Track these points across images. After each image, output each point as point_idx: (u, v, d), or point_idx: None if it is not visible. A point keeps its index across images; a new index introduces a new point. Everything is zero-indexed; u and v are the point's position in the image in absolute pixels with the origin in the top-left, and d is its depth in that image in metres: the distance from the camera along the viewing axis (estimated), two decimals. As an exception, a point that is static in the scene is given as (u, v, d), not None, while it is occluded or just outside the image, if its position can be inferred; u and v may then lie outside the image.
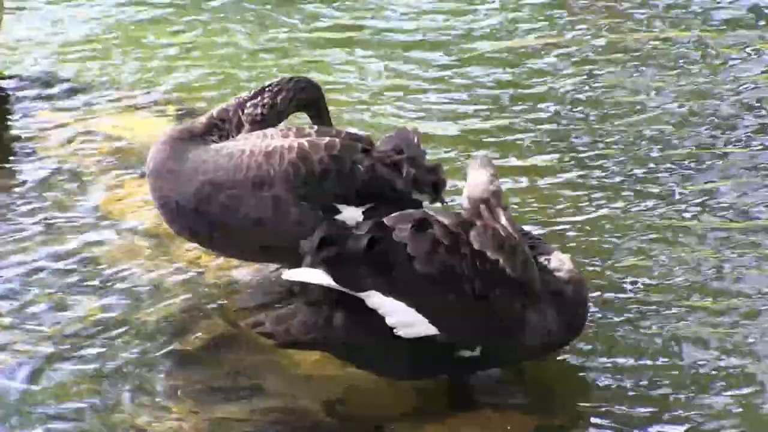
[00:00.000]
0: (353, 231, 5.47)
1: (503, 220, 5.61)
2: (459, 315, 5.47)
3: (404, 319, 5.46)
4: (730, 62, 8.66)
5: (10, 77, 8.45)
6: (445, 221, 5.54)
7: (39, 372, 5.89)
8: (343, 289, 5.44)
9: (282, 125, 6.32)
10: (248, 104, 6.32)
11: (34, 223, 6.95)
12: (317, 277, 5.45)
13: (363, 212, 6.08)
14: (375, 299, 5.45)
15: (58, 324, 6.19)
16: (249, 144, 6.10)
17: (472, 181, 5.67)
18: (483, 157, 5.82)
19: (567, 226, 6.91)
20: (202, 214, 6.07)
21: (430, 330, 5.48)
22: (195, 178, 6.07)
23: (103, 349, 6.02)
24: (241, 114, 6.30)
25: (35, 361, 5.95)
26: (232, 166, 6.05)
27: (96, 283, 6.47)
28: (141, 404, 5.72)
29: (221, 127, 6.26)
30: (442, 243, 5.46)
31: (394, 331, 5.46)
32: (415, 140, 6.26)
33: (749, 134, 7.73)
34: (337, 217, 6.06)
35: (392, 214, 5.62)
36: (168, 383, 5.85)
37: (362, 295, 5.45)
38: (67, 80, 8.45)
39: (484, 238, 5.52)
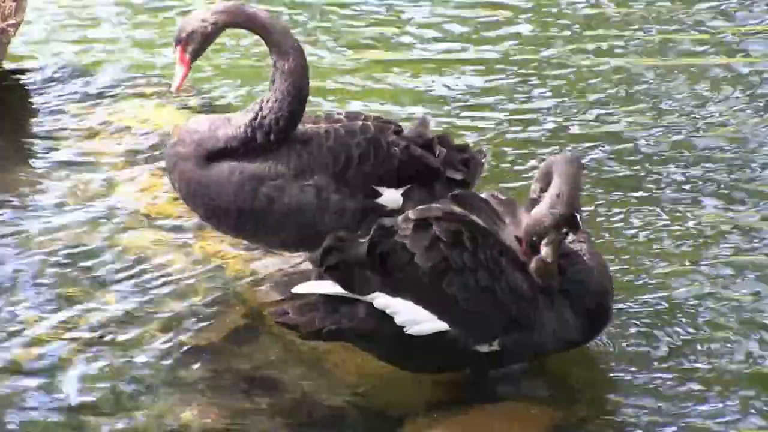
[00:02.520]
0: (357, 238, 5.55)
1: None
2: (466, 309, 5.49)
3: (412, 317, 5.50)
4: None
5: (33, 69, 8.46)
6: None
7: (62, 364, 5.91)
8: (352, 295, 5.51)
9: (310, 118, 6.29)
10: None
11: (57, 216, 6.95)
12: (327, 287, 5.54)
13: (402, 194, 6.10)
14: (382, 300, 5.51)
15: (80, 316, 6.20)
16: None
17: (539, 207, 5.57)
18: (567, 162, 5.66)
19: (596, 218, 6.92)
20: (247, 211, 6.05)
21: (440, 326, 5.51)
22: (233, 179, 6.05)
23: (125, 341, 6.04)
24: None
25: (58, 353, 5.97)
26: (271, 158, 6.05)
27: (118, 275, 6.48)
28: (163, 396, 5.73)
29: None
30: (442, 239, 5.48)
31: (404, 329, 5.50)
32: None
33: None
34: (378, 200, 6.08)
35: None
36: (190, 375, 5.86)
37: (369, 297, 5.51)
38: (91, 72, 8.45)
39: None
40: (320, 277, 5.58)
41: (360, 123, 6.12)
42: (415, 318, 5.49)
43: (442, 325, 5.50)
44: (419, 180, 6.14)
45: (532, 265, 5.51)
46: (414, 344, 5.52)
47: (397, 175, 6.10)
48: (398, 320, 5.50)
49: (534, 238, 5.50)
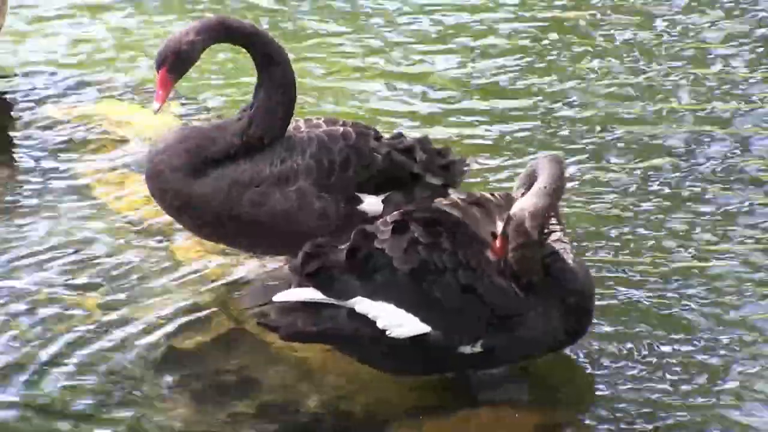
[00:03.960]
0: (336, 244, 5.55)
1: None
2: (447, 309, 5.49)
3: (393, 320, 5.50)
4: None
5: (13, 75, 8.45)
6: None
7: (41, 370, 5.89)
8: (333, 301, 5.52)
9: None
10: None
11: (34, 220, 6.93)
12: (307, 294, 5.53)
13: (382, 200, 6.10)
14: (363, 305, 5.51)
15: (59, 322, 6.18)
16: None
17: (524, 197, 5.55)
18: (550, 161, 5.64)
19: (579, 220, 6.92)
20: (238, 218, 6.04)
21: (422, 328, 5.50)
22: (228, 186, 6.02)
23: (106, 347, 6.02)
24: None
25: (37, 359, 5.94)
26: (256, 163, 6.04)
27: (98, 280, 6.46)
28: (144, 401, 5.72)
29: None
30: (420, 241, 5.48)
31: (386, 333, 5.50)
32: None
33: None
34: (359, 207, 6.08)
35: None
36: (171, 380, 5.86)
37: (350, 303, 5.51)
38: (70, 76, 8.44)
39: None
40: (300, 284, 5.58)
41: (341, 129, 6.12)
42: (397, 321, 5.49)
43: (424, 328, 5.49)
44: (400, 186, 6.14)
45: (513, 247, 5.47)
46: (396, 347, 5.51)
47: (378, 182, 6.10)
48: (380, 324, 5.49)
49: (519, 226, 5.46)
